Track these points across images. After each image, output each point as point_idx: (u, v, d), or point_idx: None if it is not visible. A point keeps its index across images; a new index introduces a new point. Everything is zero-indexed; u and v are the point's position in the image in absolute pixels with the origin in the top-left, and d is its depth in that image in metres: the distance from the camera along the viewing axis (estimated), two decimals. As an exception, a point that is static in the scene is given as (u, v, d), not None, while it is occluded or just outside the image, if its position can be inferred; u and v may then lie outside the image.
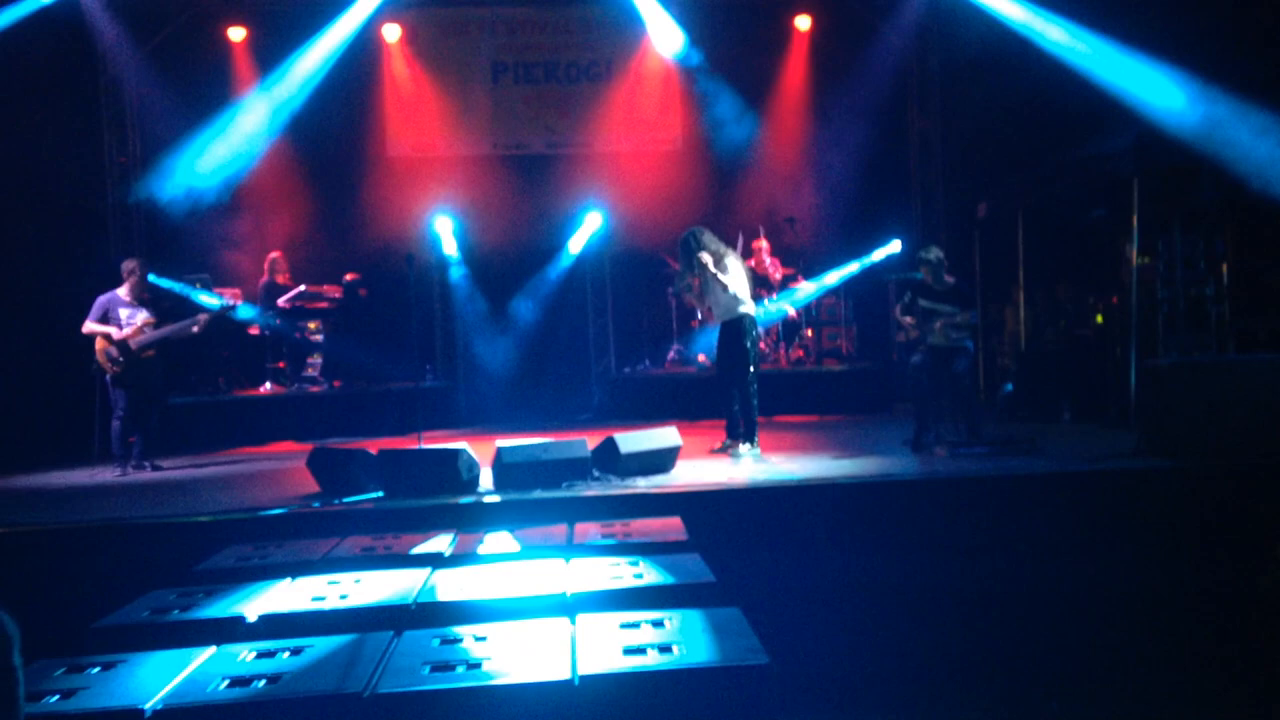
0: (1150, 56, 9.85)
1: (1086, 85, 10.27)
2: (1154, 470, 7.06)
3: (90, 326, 8.88)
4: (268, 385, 11.86)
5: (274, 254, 12.11)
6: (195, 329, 9.16)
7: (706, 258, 8.36)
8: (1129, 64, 10.05)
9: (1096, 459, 7.38)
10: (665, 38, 12.88)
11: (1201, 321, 9.10)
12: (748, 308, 8.42)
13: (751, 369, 8.39)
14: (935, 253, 8.44)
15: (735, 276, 8.37)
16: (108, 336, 8.84)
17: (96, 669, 3.57)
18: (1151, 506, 6.74)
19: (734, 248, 8.75)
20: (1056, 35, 10.85)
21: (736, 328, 8.41)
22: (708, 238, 8.49)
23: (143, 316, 9.01)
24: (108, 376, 8.91)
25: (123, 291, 9.04)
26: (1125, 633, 5.92)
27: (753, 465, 8.02)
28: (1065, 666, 5.55)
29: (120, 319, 8.92)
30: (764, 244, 12.57)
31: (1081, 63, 10.50)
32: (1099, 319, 10.56)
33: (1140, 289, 9.23)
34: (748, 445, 8.40)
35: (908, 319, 8.40)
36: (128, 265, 9.16)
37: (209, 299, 10.96)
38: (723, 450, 8.56)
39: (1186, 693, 5.22)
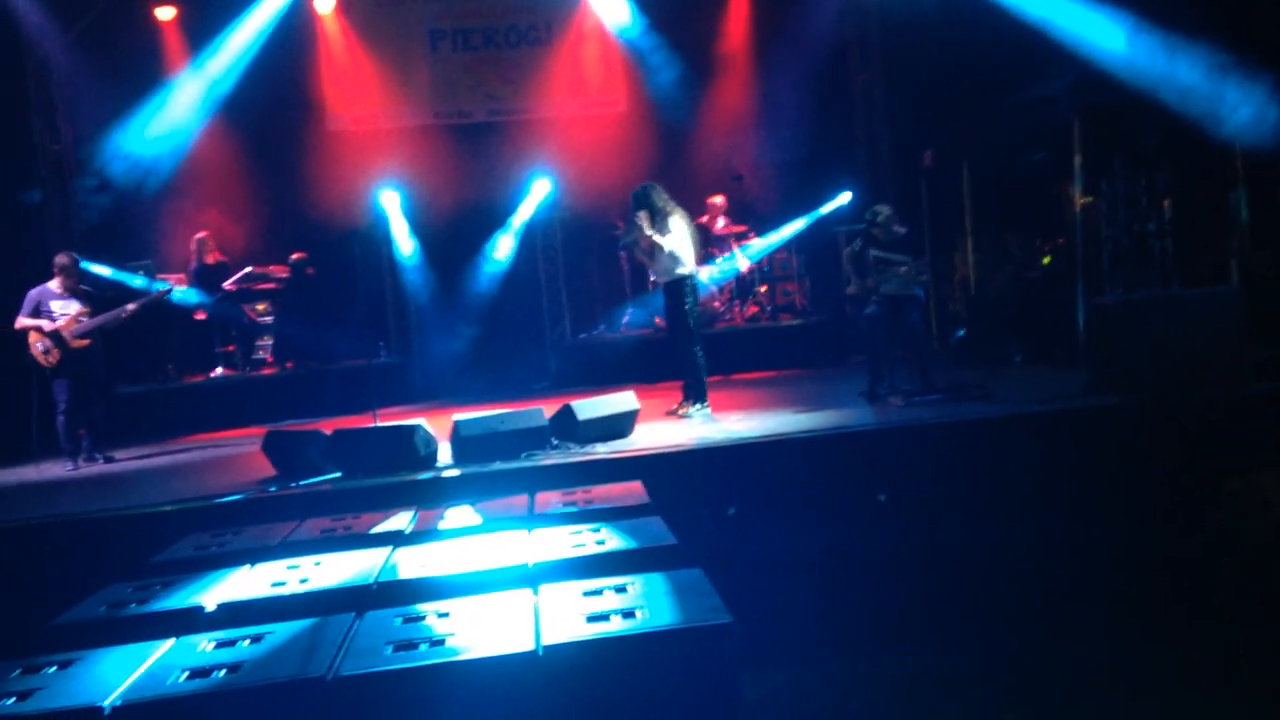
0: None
1: (1026, 29, 10.28)
2: (1103, 408, 7.16)
3: (22, 321, 8.73)
4: (218, 370, 11.70)
5: (200, 234, 11.87)
6: (124, 315, 8.98)
7: (643, 218, 8.31)
8: (1066, 4, 10.07)
9: (1047, 400, 7.47)
10: (603, -1, 12.75)
11: (1146, 259, 9.20)
12: (687, 269, 8.41)
13: (691, 330, 8.41)
14: (883, 212, 8.48)
15: (676, 237, 8.35)
16: (39, 329, 8.68)
17: (53, 668, 3.51)
18: (1103, 444, 6.84)
19: (682, 207, 8.70)
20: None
21: (675, 289, 8.43)
22: (656, 194, 8.46)
23: (76, 307, 8.85)
24: (46, 370, 8.74)
25: (54, 284, 8.88)
26: (1080, 570, 6.02)
27: (711, 425, 8.05)
28: (1023, 607, 5.63)
29: (52, 311, 8.77)
30: (720, 200, 12.54)
31: (1020, 6, 10.50)
32: (1046, 261, 10.65)
33: (1085, 229, 9.31)
34: (698, 405, 8.44)
35: (867, 280, 8.40)
36: (59, 258, 8.99)
37: (150, 285, 10.76)
38: (676, 411, 8.57)
39: (1142, 626, 5.32)
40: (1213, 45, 8.71)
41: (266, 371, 11.81)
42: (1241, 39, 8.68)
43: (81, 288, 9.03)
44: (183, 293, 10.56)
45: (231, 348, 11.87)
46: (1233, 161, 9.34)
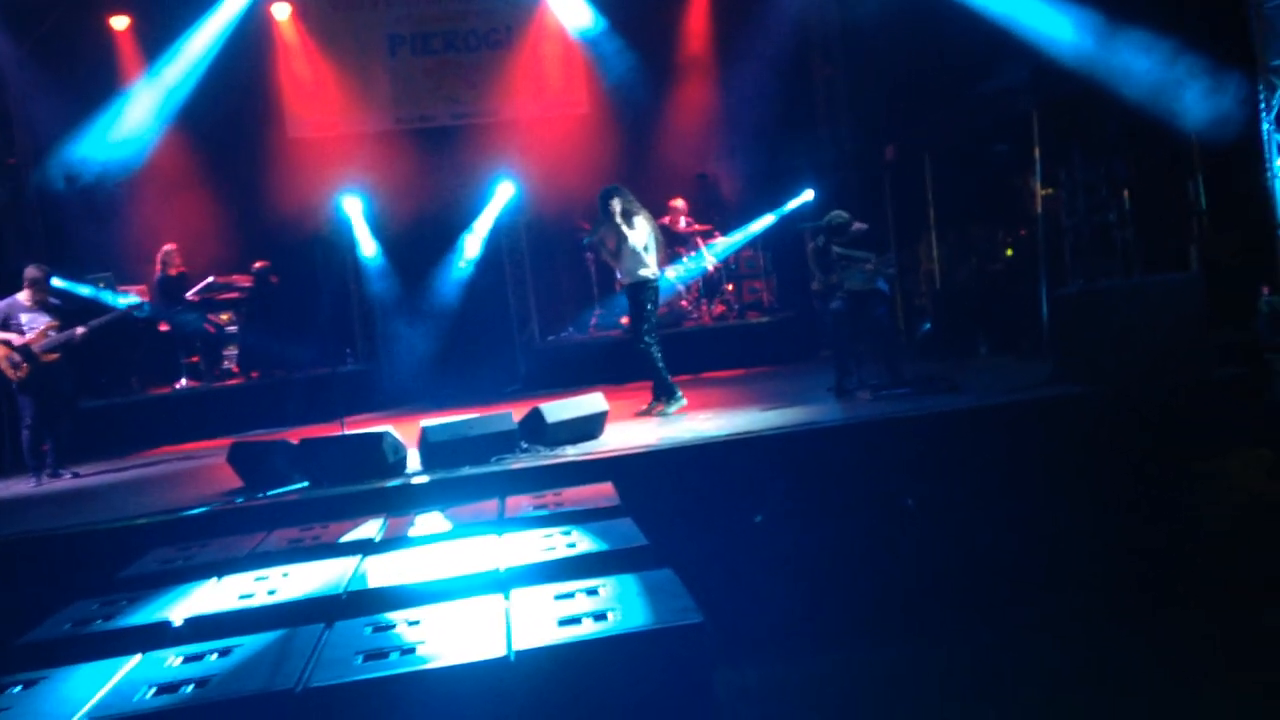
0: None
1: (985, 22, 10.35)
2: (1069, 396, 7.22)
3: (-10, 334, 8.61)
4: (183, 381, 11.58)
5: (167, 246, 11.75)
6: (76, 338, 8.85)
7: (615, 206, 8.36)
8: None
9: (1014, 390, 7.53)
10: (562, 0, 12.71)
11: (1107, 248, 9.31)
12: (650, 271, 8.46)
13: (647, 332, 8.45)
14: (840, 217, 8.51)
15: (641, 238, 8.39)
16: (8, 343, 8.56)
17: (18, 688, 3.45)
18: (1069, 433, 6.90)
19: (645, 208, 8.73)
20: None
21: (635, 291, 8.52)
22: (622, 195, 8.51)
23: (45, 321, 8.74)
24: (13, 384, 8.63)
25: (23, 296, 8.77)
26: (1051, 559, 6.06)
27: (680, 424, 8.05)
28: (996, 597, 5.67)
29: (21, 324, 8.65)
30: (680, 203, 12.55)
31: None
32: (1009, 252, 10.75)
33: (1046, 220, 9.40)
34: (662, 404, 8.47)
35: (831, 276, 8.44)
36: (29, 271, 8.87)
37: (115, 299, 10.63)
38: (647, 412, 8.59)
39: (1111, 612, 5.37)
40: (1170, 38, 8.80)
41: (231, 382, 11.70)
42: (1198, 33, 8.78)
43: (51, 301, 8.92)
44: (145, 305, 10.41)
45: (196, 359, 11.76)
46: (1190, 151, 9.45)
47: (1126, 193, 9.47)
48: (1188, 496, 6.80)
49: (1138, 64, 9.00)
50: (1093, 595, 5.59)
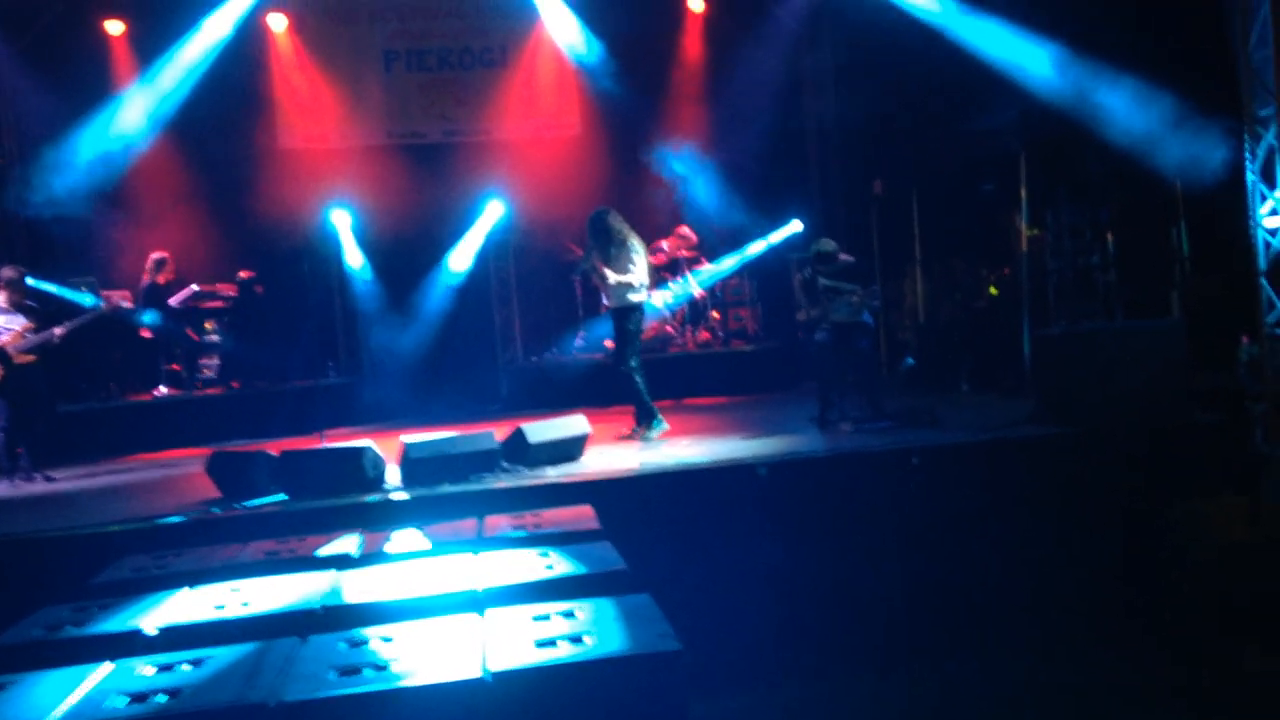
0: (1030, 31, 10.09)
1: (976, 62, 10.48)
2: (1049, 436, 7.26)
3: (-37, 336, 8.55)
4: (162, 389, 11.49)
5: (158, 254, 11.69)
6: (55, 339, 8.78)
7: (596, 258, 8.45)
8: (1011, 38, 10.28)
9: (994, 428, 7.57)
10: (559, 22, 12.79)
11: (1090, 290, 9.39)
12: (637, 296, 8.49)
13: (630, 356, 8.47)
14: (827, 245, 8.57)
15: (629, 264, 8.42)
16: None
17: (-15, 693, 3.41)
18: (1049, 472, 6.93)
19: (635, 232, 8.77)
20: (942, 12, 11.02)
21: (621, 315, 8.55)
22: (613, 219, 8.54)
23: (21, 322, 8.68)
24: (-12, 386, 8.57)
25: (-1, 298, 8.71)
26: (1027, 595, 6.09)
27: (662, 450, 8.05)
28: (970, 631, 5.68)
29: (-4, 325, 8.60)
30: (688, 232, 12.56)
31: (967, 38, 10.70)
32: (993, 291, 10.82)
33: (1030, 260, 9.49)
34: (644, 429, 8.48)
35: (816, 308, 8.49)
36: (4, 272, 8.81)
37: (95, 301, 10.58)
38: (629, 436, 8.59)
39: (1086, 650, 5.39)
40: (1157, 85, 8.92)
41: (212, 391, 11.62)
42: (1185, 80, 8.90)
43: (27, 303, 8.86)
44: (132, 311, 10.35)
45: (176, 366, 11.68)
46: (1174, 196, 9.57)
47: (1110, 236, 9.57)
48: (1165, 538, 6.84)
49: (1124, 109, 9.12)
50: (1068, 629, 5.61)
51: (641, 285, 8.52)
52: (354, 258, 12.49)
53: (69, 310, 9.84)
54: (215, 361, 11.92)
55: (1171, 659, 5.16)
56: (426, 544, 5.32)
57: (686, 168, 13.21)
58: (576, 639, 3.52)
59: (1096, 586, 6.21)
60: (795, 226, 12.51)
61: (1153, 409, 7.24)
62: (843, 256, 8.53)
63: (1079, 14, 9.67)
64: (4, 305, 8.69)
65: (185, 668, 3.51)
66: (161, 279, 11.58)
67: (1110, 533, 6.66)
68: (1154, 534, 6.76)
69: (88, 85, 11.89)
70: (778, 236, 12.55)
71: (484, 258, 12.86)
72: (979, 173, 11.11)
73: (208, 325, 11.87)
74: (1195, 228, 9.60)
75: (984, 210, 11.31)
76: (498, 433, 7.47)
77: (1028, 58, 9.98)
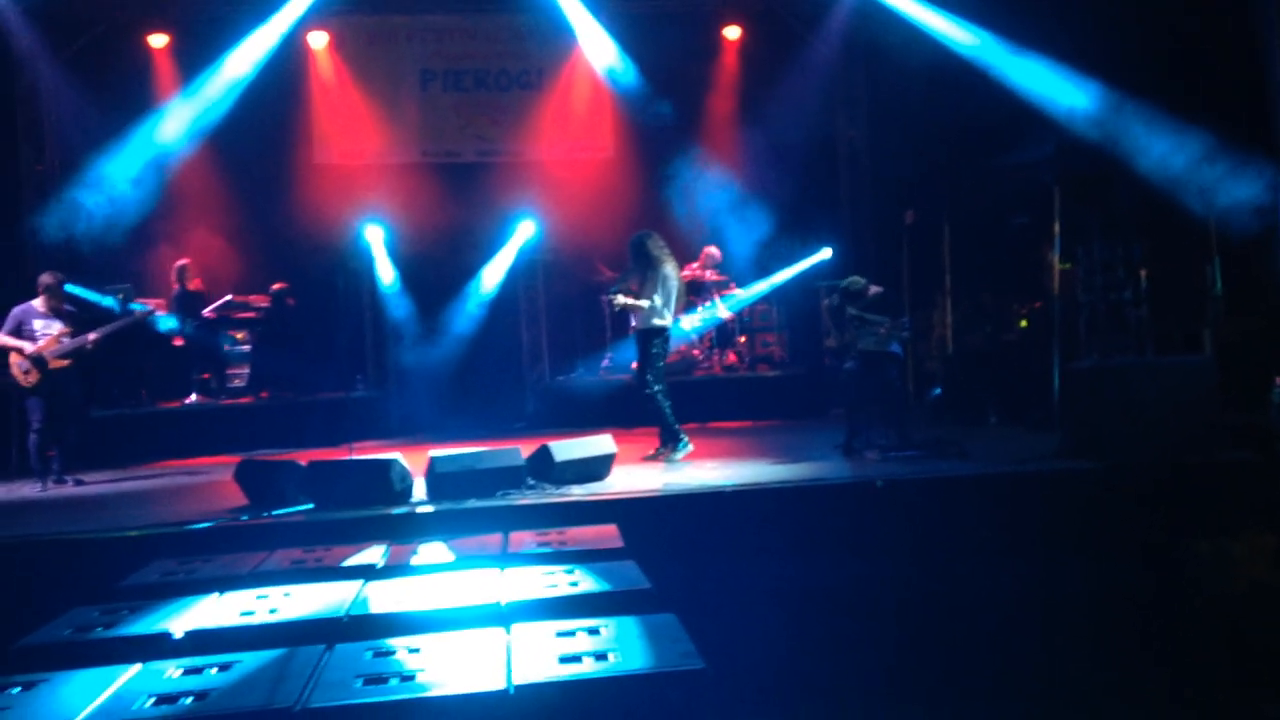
0: (1068, 67, 10.10)
1: (1009, 94, 10.49)
2: (1077, 471, 7.22)
3: (2, 340, 8.67)
4: (193, 397, 11.62)
5: (182, 261, 11.83)
6: (88, 345, 8.90)
7: (619, 298, 8.61)
8: (1048, 74, 10.29)
9: (1022, 460, 7.52)
10: (596, 47, 12.90)
11: (1121, 325, 9.34)
12: (661, 321, 8.56)
13: (651, 378, 8.51)
14: (856, 284, 8.59)
15: (661, 287, 8.46)
16: (21, 350, 8.62)
17: (17, 689, 3.46)
18: (1075, 506, 6.89)
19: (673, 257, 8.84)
20: (979, 45, 11.04)
21: (646, 337, 8.60)
22: (653, 242, 8.64)
23: (58, 328, 8.80)
24: (23, 389, 8.67)
25: (38, 303, 8.84)
26: (1052, 628, 6.04)
27: (687, 471, 8.05)
28: (994, 666, 5.64)
29: (34, 331, 8.72)
30: (715, 251, 12.60)
31: (1004, 72, 10.72)
32: (1023, 323, 10.78)
33: (1062, 294, 9.45)
34: (669, 450, 8.50)
35: (846, 336, 8.50)
36: (44, 278, 8.94)
37: (130, 308, 10.71)
38: (655, 457, 8.60)
39: (1112, 689, 5.34)
40: (1194, 123, 8.91)
41: (241, 400, 11.73)
42: (1222, 119, 8.88)
43: (65, 308, 8.99)
44: (163, 318, 10.47)
45: (207, 375, 11.81)
46: (1207, 233, 9.52)
47: (1143, 271, 9.52)
48: (1188, 576, 6.77)
49: (1161, 146, 9.10)
50: (1094, 665, 5.56)
51: (668, 311, 8.57)
52: (386, 273, 12.59)
53: (105, 316, 9.97)
54: (245, 371, 12.04)
55: (1185, 703, 5.10)
56: (451, 557, 5.36)
57: (717, 193, 13.25)
58: (601, 655, 3.54)
59: (1114, 623, 6.15)
60: (825, 254, 12.51)
61: (1181, 445, 7.19)
62: (873, 289, 8.54)
63: (1115, 50, 9.68)
64: (43, 310, 8.82)
65: (213, 671, 3.56)
66: (190, 286, 11.72)
67: (1133, 569, 6.61)
68: (1177, 571, 6.70)
69: (130, 98, 12.07)
70: (807, 263, 12.54)
71: (514, 277, 12.93)
72: (1012, 206, 11.09)
73: (239, 335, 11.99)
74: (1229, 265, 9.54)
75: (1016, 243, 11.28)
76: (524, 450, 7.50)
77: (1063, 93, 9.98)
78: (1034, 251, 10.91)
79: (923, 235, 12.08)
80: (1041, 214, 10.05)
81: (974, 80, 10.84)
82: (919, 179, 12.25)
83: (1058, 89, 10.13)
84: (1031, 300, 10.81)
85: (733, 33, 13.40)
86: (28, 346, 8.64)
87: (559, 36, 13.04)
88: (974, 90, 10.79)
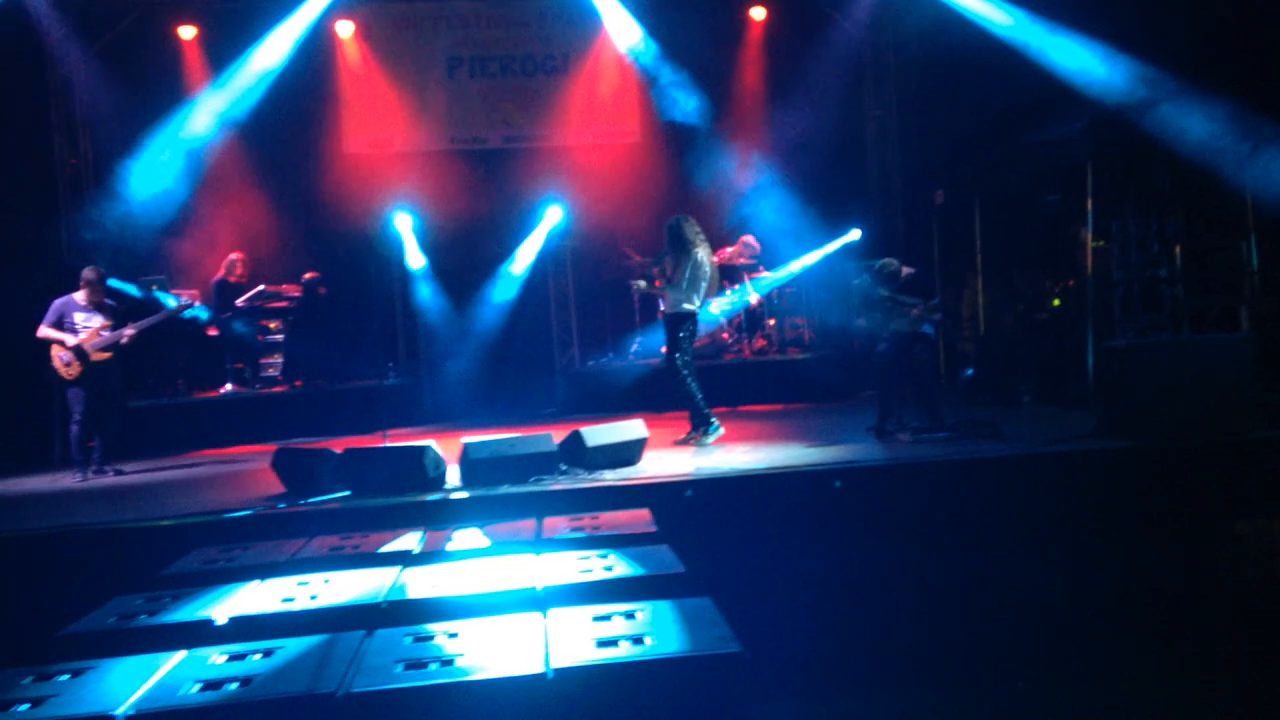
0: (1100, 41, 9.97)
1: (1039, 71, 10.37)
2: (1113, 450, 7.16)
3: (45, 331, 8.78)
4: (228, 386, 11.74)
5: (235, 255, 11.98)
6: (124, 340, 9.00)
7: (639, 284, 8.64)
8: (1079, 49, 10.16)
9: (1057, 440, 7.48)
10: (621, 30, 12.87)
11: (1156, 303, 9.24)
12: (690, 305, 8.56)
13: (681, 363, 8.50)
14: (890, 265, 8.54)
15: (693, 271, 8.46)
16: (63, 343, 8.73)
17: (65, 676, 3.52)
18: (1112, 486, 6.84)
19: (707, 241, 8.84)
20: (1008, 21, 10.92)
21: (675, 322, 8.60)
22: (688, 226, 8.66)
23: (99, 321, 8.91)
24: (65, 380, 8.79)
25: (79, 296, 8.94)
26: (1088, 611, 6.01)
27: (719, 455, 8.06)
28: (1030, 646, 5.62)
29: (76, 323, 8.83)
30: (753, 241, 12.56)
31: (1034, 48, 10.59)
32: (1056, 302, 10.69)
33: (1096, 272, 9.36)
34: (700, 434, 8.51)
35: (877, 317, 8.48)
36: (86, 272, 9.04)
37: (165, 300, 10.85)
38: (685, 441, 8.61)
39: (1149, 670, 5.31)
40: (1231, 99, 8.78)
41: (276, 389, 11.85)
42: (1260, 94, 8.75)
43: (106, 302, 9.10)
44: (198, 308, 10.57)
45: (241, 365, 11.93)
46: (1244, 210, 9.40)
47: (1178, 249, 9.41)
48: (1227, 555, 6.72)
49: (1196, 121, 8.97)
50: (1126, 649, 5.54)
51: (698, 295, 8.56)
52: (415, 261, 12.64)
53: (141, 308, 10.08)
54: (279, 360, 12.15)
55: (1219, 688, 5.05)
56: (486, 543, 5.40)
57: (745, 175, 13.21)
58: (637, 639, 3.56)
59: (1148, 606, 6.10)
60: (854, 235, 12.44)
61: (1219, 424, 7.13)
62: (905, 271, 8.50)
63: (1149, 23, 9.55)
64: (84, 303, 8.93)
65: (256, 657, 3.61)
66: (233, 279, 11.85)
67: (1170, 550, 6.56)
68: (1215, 552, 6.64)
69: (161, 90, 12.15)
70: (836, 245, 12.48)
71: (542, 263, 12.95)
72: (1043, 183, 10.97)
73: (272, 325, 12.10)
74: (1265, 241, 9.42)
75: (1048, 221, 11.18)
76: (556, 436, 7.53)
77: (1096, 67, 9.85)
78: (1066, 229, 10.81)
79: (953, 215, 12.00)
80: (1074, 191, 9.95)
81: (1003, 57, 10.73)
82: (948, 158, 12.17)
83: (1089, 64, 9.99)
84: (1064, 279, 10.72)
85: (758, 13, 13.32)
86: (69, 339, 8.75)
87: (584, 21, 13.01)
88: (1003, 67, 10.68)
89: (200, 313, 10.86)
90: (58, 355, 8.75)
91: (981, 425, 7.99)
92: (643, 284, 8.81)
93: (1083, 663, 5.46)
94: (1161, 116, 9.11)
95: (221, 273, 11.87)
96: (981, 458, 7.14)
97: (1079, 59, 10.10)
